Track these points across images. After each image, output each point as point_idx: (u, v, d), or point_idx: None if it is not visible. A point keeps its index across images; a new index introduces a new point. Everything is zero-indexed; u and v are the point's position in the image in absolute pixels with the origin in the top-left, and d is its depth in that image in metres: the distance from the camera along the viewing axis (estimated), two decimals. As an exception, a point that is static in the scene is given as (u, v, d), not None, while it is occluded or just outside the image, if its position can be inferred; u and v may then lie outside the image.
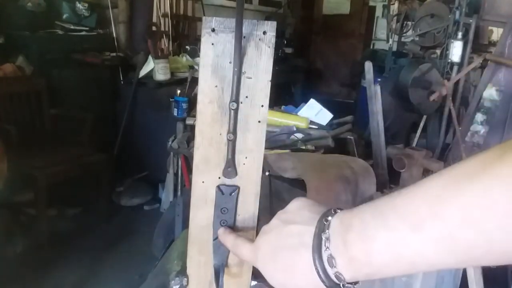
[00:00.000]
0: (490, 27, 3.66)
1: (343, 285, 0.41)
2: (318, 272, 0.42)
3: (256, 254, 0.49)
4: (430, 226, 0.35)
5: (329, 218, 0.43)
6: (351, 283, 0.42)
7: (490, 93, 2.90)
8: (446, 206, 0.34)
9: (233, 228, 0.61)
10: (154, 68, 3.36)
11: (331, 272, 0.41)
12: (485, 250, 0.33)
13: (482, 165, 0.33)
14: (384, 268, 0.39)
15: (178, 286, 0.64)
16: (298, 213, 0.48)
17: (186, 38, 4.30)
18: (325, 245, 0.42)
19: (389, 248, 0.38)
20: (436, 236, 0.35)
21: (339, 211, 0.44)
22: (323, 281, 0.42)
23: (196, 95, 0.62)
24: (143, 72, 3.38)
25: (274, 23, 0.56)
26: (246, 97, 0.57)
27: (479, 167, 0.34)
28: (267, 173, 1.58)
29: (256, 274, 0.65)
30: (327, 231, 0.42)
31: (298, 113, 2.35)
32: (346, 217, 0.42)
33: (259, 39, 0.56)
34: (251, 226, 0.61)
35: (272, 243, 0.47)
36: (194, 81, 3.10)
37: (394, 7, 4.95)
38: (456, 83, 3.21)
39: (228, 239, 0.57)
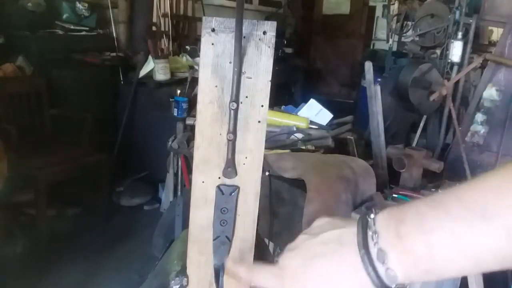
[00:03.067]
0: (490, 27, 3.65)
1: (395, 285, 0.36)
2: (367, 270, 0.36)
3: (283, 274, 0.42)
4: (503, 216, 0.32)
5: (372, 215, 0.38)
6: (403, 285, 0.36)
7: (490, 93, 2.90)
8: None
9: (233, 228, 0.61)
10: (154, 68, 3.36)
11: (381, 269, 0.36)
12: None
13: None
14: (446, 264, 0.34)
15: (178, 286, 0.64)
16: (328, 224, 0.43)
17: (186, 38, 4.30)
18: (372, 240, 0.36)
19: (454, 239, 0.33)
20: (509, 226, 0.31)
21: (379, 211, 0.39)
22: (373, 281, 0.36)
23: (196, 95, 0.61)
24: (143, 72, 3.38)
25: (274, 23, 0.56)
26: (246, 97, 0.57)
27: None
28: (267, 173, 1.58)
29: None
30: (373, 226, 0.37)
31: (298, 113, 2.35)
32: (395, 211, 0.37)
33: (259, 39, 0.56)
34: (251, 226, 0.61)
35: (302, 256, 0.41)
36: (194, 81, 3.10)
37: (394, 7, 4.95)
38: (456, 83, 3.20)
39: (241, 269, 0.49)
